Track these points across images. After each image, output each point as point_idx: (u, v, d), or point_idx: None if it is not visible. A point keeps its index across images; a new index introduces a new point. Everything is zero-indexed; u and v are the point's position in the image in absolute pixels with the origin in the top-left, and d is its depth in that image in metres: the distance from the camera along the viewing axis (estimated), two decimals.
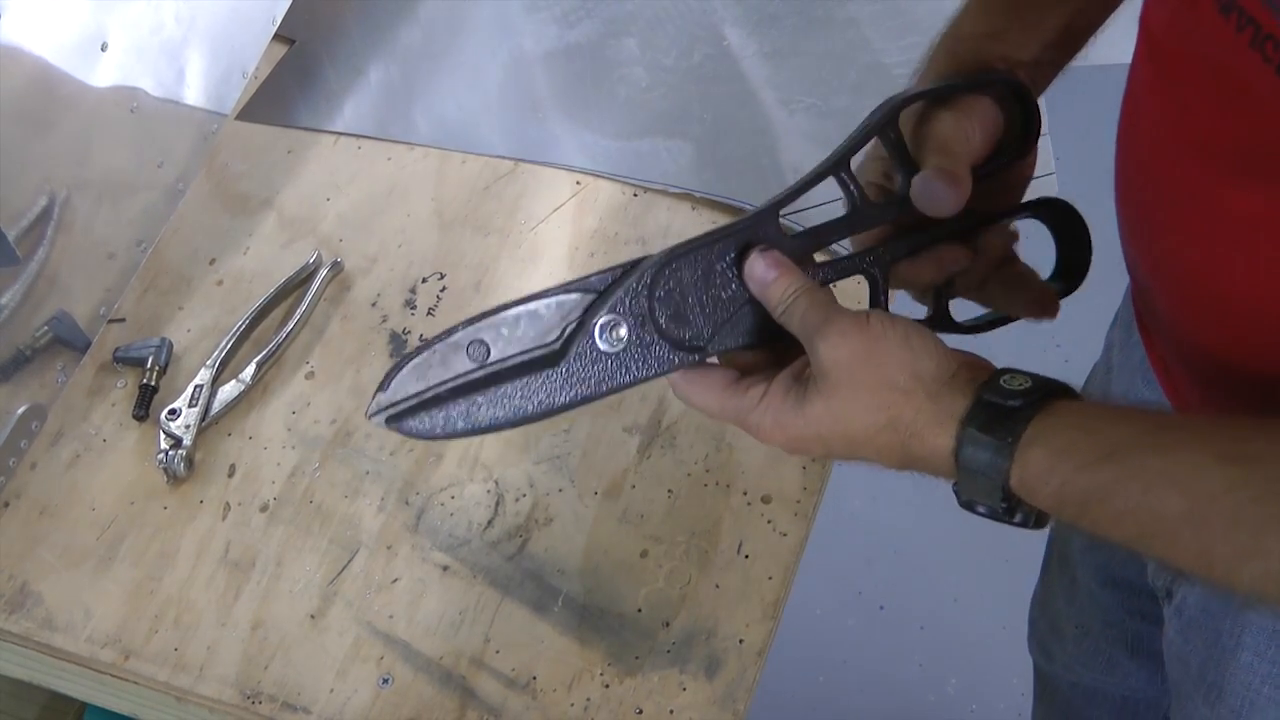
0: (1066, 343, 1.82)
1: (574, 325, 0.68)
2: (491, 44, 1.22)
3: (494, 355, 0.68)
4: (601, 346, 0.68)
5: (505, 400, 0.68)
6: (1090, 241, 0.76)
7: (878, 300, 0.72)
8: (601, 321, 0.68)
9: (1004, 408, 0.60)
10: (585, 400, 0.68)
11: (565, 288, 0.68)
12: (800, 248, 0.71)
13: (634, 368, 0.68)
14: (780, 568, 0.90)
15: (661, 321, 0.68)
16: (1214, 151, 0.63)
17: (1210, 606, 0.84)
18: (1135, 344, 0.88)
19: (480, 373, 0.67)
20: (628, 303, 0.68)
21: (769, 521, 0.92)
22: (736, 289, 0.70)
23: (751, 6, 1.22)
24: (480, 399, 0.68)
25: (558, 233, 1.08)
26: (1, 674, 0.93)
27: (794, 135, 1.13)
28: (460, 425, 0.68)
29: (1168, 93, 0.67)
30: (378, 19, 1.24)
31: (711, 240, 0.69)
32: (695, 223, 1.08)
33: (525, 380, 0.68)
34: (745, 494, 0.93)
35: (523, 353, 0.68)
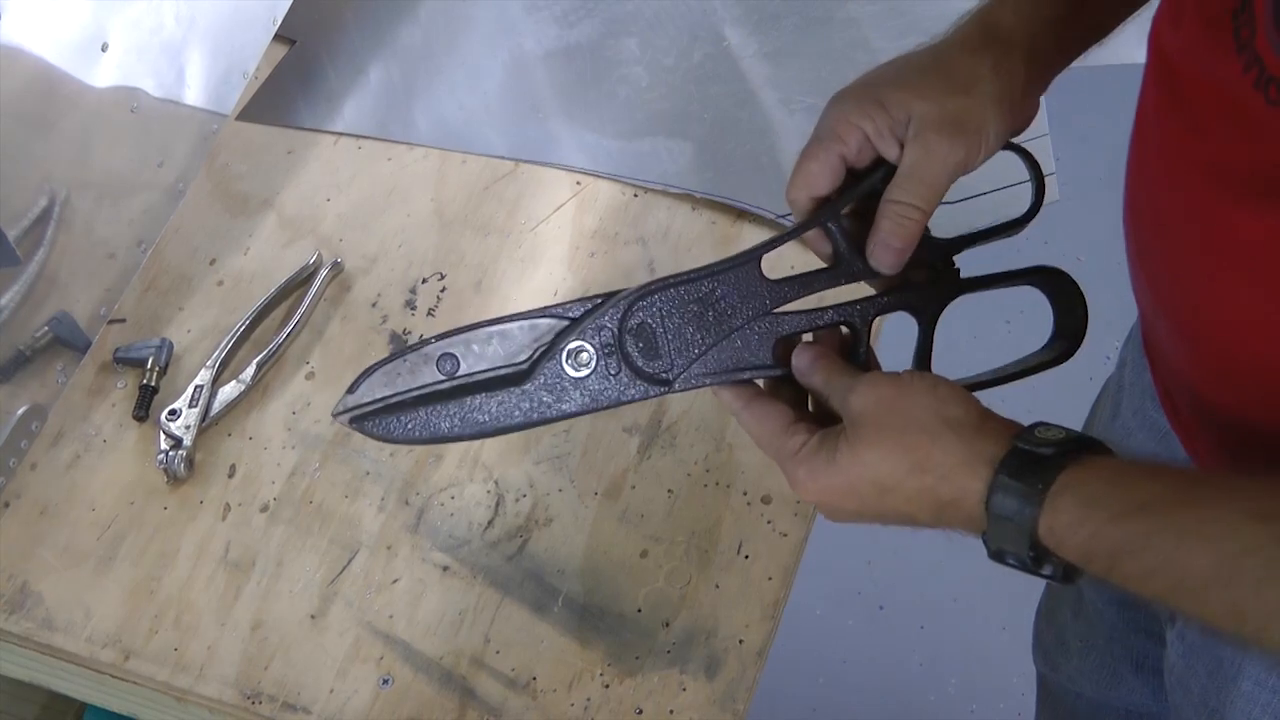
0: None
1: (544, 348, 0.70)
2: (491, 44, 1.22)
3: (462, 369, 0.70)
4: (567, 371, 0.70)
5: (466, 413, 0.70)
6: (1086, 307, 0.76)
7: (858, 353, 0.73)
8: (570, 347, 0.70)
9: (1036, 454, 0.60)
10: (542, 422, 0.71)
11: (541, 313, 0.71)
12: (780, 294, 0.72)
13: (596, 394, 0.71)
14: (780, 568, 0.90)
15: (631, 353, 0.70)
16: (1224, 173, 0.62)
17: None
18: (1147, 365, 0.88)
19: (446, 385, 0.70)
20: (598, 332, 0.70)
21: (769, 521, 0.92)
22: (709, 329, 0.71)
23: (751, 6, 1.22)
24: (442, 410, 0.70)
25: (558, 233, 1.08)
26: (1, 674, 0.93)
27: (794, 135, 1.13)
28: (418, 432, 0.71)
29: (1179, 114, 0.67)
30: (378, 19, 1.24)
31: (691, 279, 0.71)
32: (695, 223, 1.08)
33: (488, 396, 0.70)
34: (745, 494, 0.93)
35: (490, 370, 0.70)
